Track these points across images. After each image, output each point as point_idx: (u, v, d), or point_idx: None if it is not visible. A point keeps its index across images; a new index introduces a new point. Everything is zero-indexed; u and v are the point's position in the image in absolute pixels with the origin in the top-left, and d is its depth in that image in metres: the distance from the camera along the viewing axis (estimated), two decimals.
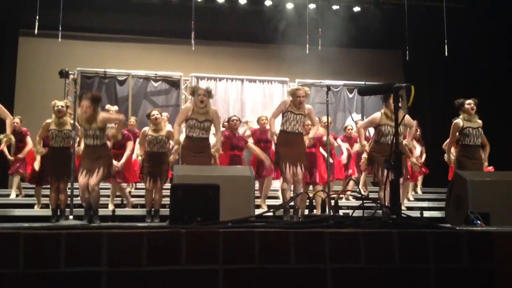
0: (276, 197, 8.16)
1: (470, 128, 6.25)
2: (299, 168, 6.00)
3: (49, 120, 6.28)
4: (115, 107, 8.46)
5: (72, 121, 5.61)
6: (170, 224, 2.09)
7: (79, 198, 5.95)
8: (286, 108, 6.11)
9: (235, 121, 7.24)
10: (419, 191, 8.98)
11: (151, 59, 11.17)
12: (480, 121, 6.37)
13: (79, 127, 5.85)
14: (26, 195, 7.97)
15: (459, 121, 6.31)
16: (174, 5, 10.71)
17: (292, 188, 6.24)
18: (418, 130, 8.17)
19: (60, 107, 6.21)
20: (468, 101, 6.33)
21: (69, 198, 5.05)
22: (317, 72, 10.83)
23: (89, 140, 5.83)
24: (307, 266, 1.69)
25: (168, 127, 6.98)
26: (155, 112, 6.66)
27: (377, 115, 6.08)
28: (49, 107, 6.33)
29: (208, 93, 5.83)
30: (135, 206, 7.71)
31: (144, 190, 7.07)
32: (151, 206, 6.61)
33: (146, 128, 6.66)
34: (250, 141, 7.26)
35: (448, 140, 6.53)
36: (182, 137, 6.05)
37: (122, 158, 6.80)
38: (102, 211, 6.38)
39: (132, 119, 8.31)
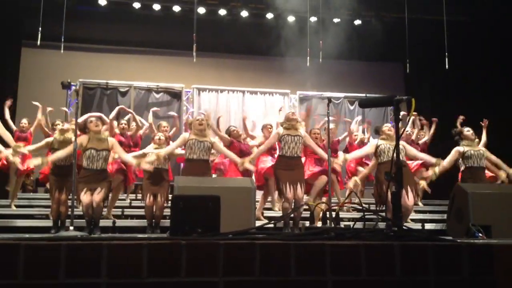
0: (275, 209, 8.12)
1: (471, 151, 6.35)
2: (299, 188, 6.08)
3: (50, 139, 6.37)
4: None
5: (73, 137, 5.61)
6: (170, 235, 2.09)
7: (79, 209, 5.94)
8: (281, 134, 6.20)
9: (235, 130, 7.47)
10: (420, 203, 8.94)
11: (153, 71, 11.23)
12: (480, 147, 6.54)
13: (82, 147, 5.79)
14: (27, 206, 7.93)
15: (459, 148, 6.41)
16: (176, 17, 10.79)
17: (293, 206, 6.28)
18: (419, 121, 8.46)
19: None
20: (466, 128, 6.51)
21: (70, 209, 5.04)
22: (318, 84, 10.88)
23: (96, 163, 5.79)
24: (308, 278, 1.68)
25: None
26: (160, 134, 6.83)
27: (372, 143, 6.24)
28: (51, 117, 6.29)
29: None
30: (132, 217, 7.69)
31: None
32: (152, 218, 6.58)
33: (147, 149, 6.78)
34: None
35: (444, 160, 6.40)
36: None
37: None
38: (102, 222, 6.35)
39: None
